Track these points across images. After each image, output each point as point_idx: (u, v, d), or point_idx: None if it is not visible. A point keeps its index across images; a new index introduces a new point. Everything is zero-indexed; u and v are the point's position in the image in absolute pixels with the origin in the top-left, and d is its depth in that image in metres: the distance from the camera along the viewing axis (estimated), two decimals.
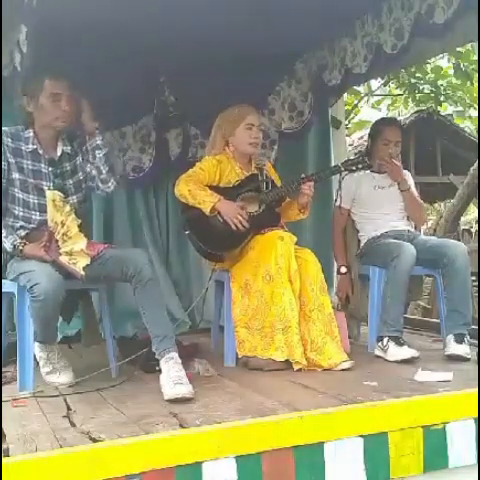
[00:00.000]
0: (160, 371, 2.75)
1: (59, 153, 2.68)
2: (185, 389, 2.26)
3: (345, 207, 3.51)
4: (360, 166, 3.11)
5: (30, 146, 2.61)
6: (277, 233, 2.91)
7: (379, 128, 3.51)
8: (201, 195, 2.92)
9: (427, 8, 3.04)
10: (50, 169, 2.64)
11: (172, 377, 2.31)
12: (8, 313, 2.89)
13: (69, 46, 3.31)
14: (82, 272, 2.46)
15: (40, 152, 2.63)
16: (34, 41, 2.38)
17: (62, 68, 3.51)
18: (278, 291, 2.78)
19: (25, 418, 2.11)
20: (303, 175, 3.12)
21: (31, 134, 2.62)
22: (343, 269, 3.53)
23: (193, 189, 2.93)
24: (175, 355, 2.41)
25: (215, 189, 3.00)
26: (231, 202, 2.96)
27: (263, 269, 2.83)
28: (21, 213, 2.60)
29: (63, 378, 2.58)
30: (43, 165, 2.63)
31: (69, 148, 2.72)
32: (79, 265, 2.47)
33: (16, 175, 2.58)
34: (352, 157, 3.28)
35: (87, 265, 2.48)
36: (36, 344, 2.56)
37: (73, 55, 3.44)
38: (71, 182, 2.71)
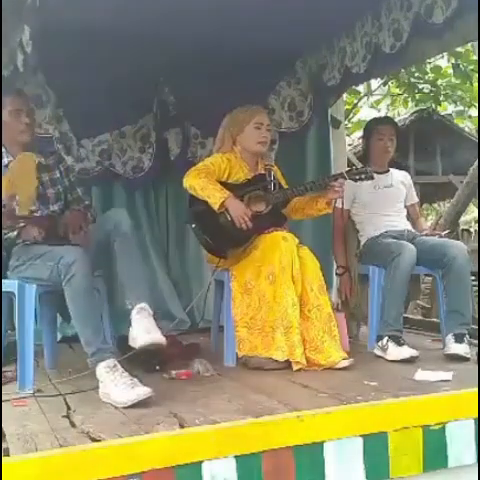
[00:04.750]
0: (160, 370, 2.76)
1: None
2: (158, 335, 2.28)
3: (345, 208, 3.51)
4: (363, 176, 3.11)
5: (5, 160, 2.67)
6: (281, 233, 2.91)
7: (372, 125, 3.55)
8: (211, 189, 2.90)
9: (426, 8, 3.05)
10: None
11: (145, 326, 2.31)
12: (8, 313, 2.89)
13: (70, 46, 3.33)
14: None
15: None
16: (37, 41, 2.39)
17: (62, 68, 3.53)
18: (281, 291, 2.78)
19: (25, 418, 2.10)
20: (341, 172, 3.15)
21: (3, 150, 2.69)
22: (339, 270, 3.54)
23: (203, 182, 2.91)
24: (147, 306, 2.41)
25: (223, 185, 2.98)
26: (240, 201, 2.95)
27: (266, 269, 2.83)
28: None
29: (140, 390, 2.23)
30: None
31: (43, 160, 2.77)
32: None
33: None
34: (358, 166, 3.29)
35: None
36: (100, 366, 2.29)
37: (74, 55, 3.45)
38: (53, 192, 2.77)
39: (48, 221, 2.66)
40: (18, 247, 2.61)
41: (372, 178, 3.17)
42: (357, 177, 3.11)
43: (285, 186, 3.19)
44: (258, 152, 3.12)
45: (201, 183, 2.91)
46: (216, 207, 2.88)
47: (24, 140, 2.71)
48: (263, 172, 3.13)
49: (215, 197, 2.88)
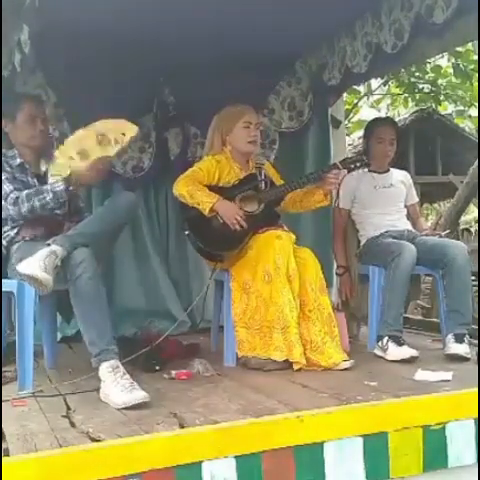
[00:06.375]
0: (160, 370, 2.75)
1: (43, 169, 2.81)
2: (142, 394, 2.21)
3: (345, 208, 3.51)
4: (358, 164, 3.11)
5: (18, 160, 2.74)
6: (275, 232, 2.91)
7: (372, 127, 3.53)
8: (199, 195, 2.91)
9: (426, 8, 3.05)
10: (36, 182, 2.74)
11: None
12: (7, 313, 2.89)
13: (70, 46, 3.32)
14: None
15: (26, 166, 2.76)
16: (36, 41, 2.39)
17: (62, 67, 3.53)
18: (277, 291, 2.77)
19: (25, 418, 2.10)
20: (334, 162, 3.16)
21: (16, 152, 2.77)
22: (339, 270, 3.54)
23: (192, 189, 2.93)
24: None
25: (214, 189, 2.99)
26: (230, 202, 2.95)
27: (261, 269, 2.83)
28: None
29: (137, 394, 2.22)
30: (30, 178, 2.75)
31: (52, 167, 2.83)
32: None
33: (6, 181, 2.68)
34: (350, 155, 3.29)
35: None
36: (103, 365, 2.29)
37: (74, 55, 3.45)
38: None
39: (51, 222, 2.67)
40: (18, 245, 2.61)
41: (368, 165, 3.17)
42: (352, 166, 3.10)
43: (279, 182, 3.18)
44: (249, 152, 3.11)
45: (190, 190, 2.92)
46: (206, 212, 2.89)
47: (35, 145, 2.78)
48: (254, 171, 3.12)
49: (204, 203, 2.89)
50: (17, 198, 2.56)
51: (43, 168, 2.83)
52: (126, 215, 2.74)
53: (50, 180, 2.75)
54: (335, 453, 1.90)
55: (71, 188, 2.56)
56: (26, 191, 2.59)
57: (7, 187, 2.61)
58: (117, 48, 3.44)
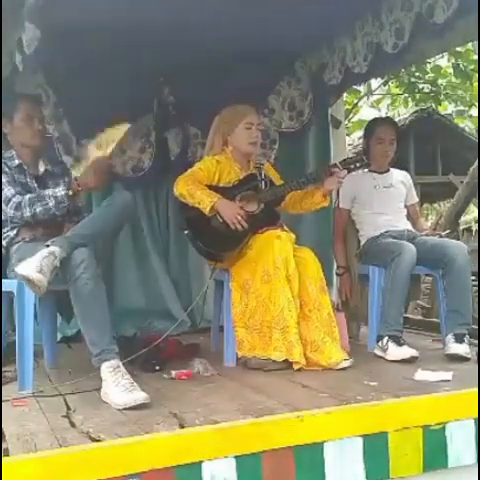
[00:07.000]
0: (160, 370, 2.75)
1: (42, 170, 2.82)
2: (142, 395, 2.21)
3: (345, 208, 3.51)
4: (358, 164, 3.11)
5: (16, 161, 2.75)
6: (275, 232, 2.91)
7: (372, 127, 3.53)
8: (200, 194, 2.91)
9: (427, 8, 3.05)
10: (35, 183, 2.75)
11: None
12: (8, 313, 2.89)
13: (70, 46, 3.32)
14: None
15: (25, 167, 2.76)
16: (37, 41, 2.39)
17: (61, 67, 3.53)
18: (276, 291, 2.77)
19: (25, 418, 2.11)
20: (334, 162, 3.17)
21: (13, 152, 2.77)
22: (339, 270, 3.54)
23: (192, 188, 2.93)
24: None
25: (214, 189, 2.99)
26: (230, 202, 2.95)
27: (261, 269, 2.83)
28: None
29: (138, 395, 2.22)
30: (29, 179, 2.75)
31: (50, 167, 2.86)
32: None
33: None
34: (350, 155, 3.29)
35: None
36: (104, 365, 2.29)
37: (74, 55, 3.45)
38: None
39: (50, 223, 2.67)
40: (18, 245, 2.61)
41: (368, 165, 3.16)
42: (352, 166, 3.09)
43: (279, 182, 3.18)
44: (250, 152, 3.11)
45: (190, 190, 2.92)
46: (206, 211, 2.88)
47: (34, 145, 2.79)
48: (254, 171, 3.12)
49: (204, 202, 2.89)
50: (20, 203, 2.57)
51: (41, 169, 2.83)
52: (124, 215, 2.74)
53: (49, 183, 2.77)
54: (335, 453, 1.90)
55: (72, 192, 2.57)
56: (28, 196, 2.59)
57: (8, 191, 2.61)
58: (117, 48, 3.44)
